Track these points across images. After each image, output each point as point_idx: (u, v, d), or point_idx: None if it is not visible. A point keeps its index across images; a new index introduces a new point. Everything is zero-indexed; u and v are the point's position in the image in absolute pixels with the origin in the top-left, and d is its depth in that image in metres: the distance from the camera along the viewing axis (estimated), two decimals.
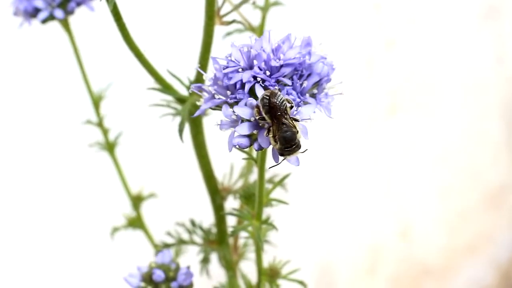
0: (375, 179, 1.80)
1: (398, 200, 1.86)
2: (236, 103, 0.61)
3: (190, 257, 0.98)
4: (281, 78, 0.62)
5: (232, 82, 0.61)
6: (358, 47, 1.70)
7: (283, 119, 0.59)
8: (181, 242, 0.94)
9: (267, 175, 0.86)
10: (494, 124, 1.97)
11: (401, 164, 1.84)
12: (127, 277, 0.81)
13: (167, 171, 1.48)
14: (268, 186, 0.77)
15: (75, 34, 0.97)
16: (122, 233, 1.08)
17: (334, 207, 1.76)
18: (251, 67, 0.62)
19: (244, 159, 0.70)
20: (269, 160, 0.65)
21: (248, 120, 0.61)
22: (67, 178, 1.41)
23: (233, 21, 0.78)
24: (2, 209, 1.38)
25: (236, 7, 0.79)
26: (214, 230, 0.93)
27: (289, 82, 0.62)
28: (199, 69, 0.77)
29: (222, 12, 0.77)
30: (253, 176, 0.96)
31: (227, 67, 0.63)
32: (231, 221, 0.95)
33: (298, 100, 0.62)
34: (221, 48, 0.74)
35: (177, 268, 0.82)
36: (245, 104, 0.61)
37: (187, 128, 0.82)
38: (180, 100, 0.80)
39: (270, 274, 0.83)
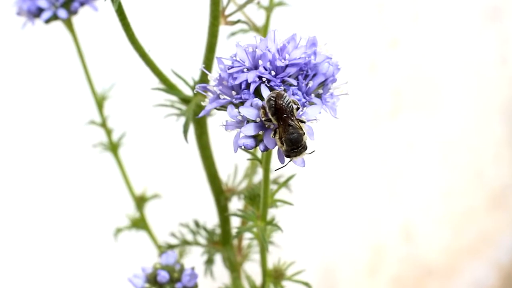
0: (378, 180, 1.80)
1: (401, 201, 1.85)
2: (242, 103, 0.61)
3: (194, 258, 0.97)
4: (286, 78, 0.61)
5: (237, 82, 0.61)
6: (362, 47, 1.70)
7: (289, 121, 0.59)
8: (185, 243, 0.93)
9: (272, 176, 0.85)
10: (497, 125, 1.97)
11: (404, 164, 1.84)
12: (131, 278, 0.81)
13: (171, 172, 1.47)
14: (273, 187, 0.76)
15: (78, 34, 0.97)
16: (126, 234, 1.08)
17: (338, 208, 1.75)
18: (256, 67, 0.62)
19: (249, 159, 0.70)
20: (274, 161, 0.64)
21: (254, 121, 0.60)
22: (70, 179, 1.41)
23: (238, 21, 0.78)
24: (6, 209, 1.37)
25: (241, 7, 0.79)
26: (218, 231, 0.93)
27: (294, 82, 0.61)
28: (204, 69, 0.76)
29: (227, 12, 0.77)
30: (258, 177, 0.96)
31: (232, 67, 0.62)
32: (235, 222, 0.95)
33: (303, 100, 0.61)
34: (225, 49, 0.74)
35: (182, 269, 0.82)
36: (251, 105, 0.60)
37: (191, 129, 0.82)
38: (185, 100, 0.80)
39: (274, 276, 0.83)
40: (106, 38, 1.25)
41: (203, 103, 0.66)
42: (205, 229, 0.94)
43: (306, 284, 0.81)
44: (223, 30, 0.80)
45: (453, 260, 1.96)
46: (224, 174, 0.92)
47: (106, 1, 0.69)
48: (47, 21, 0.92)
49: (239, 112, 0.60)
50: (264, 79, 0.61)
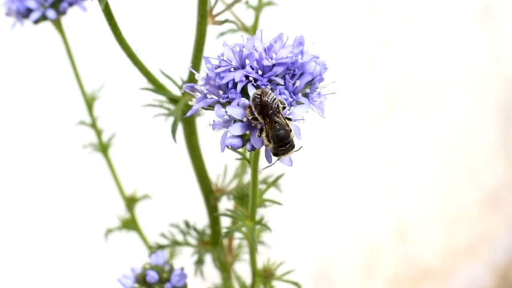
0: (372, 180, 1.80)
1: (395, 201, 1.85)
2: (229, 102, 0.61)
3: (184, 259, 0.97)
4: (273, 78, 0.61)
5: (224, 81, 0.61)
6: (355, 48, 1.70)
7: (276, 118, 0.59)
8: (175, 243, 0.93)
9: (261, 176, 0.85)
10: (491, 124, 1.98)
11: (398, 164, 1.84)
12: (120, 278, 0.81)
13: (161, 172, 1.47)
14: (262, 186, 0.76)
15: (67, 34, 0.97)
16: (116, 234, 1.08)
17: (330, 208, 1.75)
18: (243, 66, 0.62)
19: (237, 159, 0.70)
20: (262, 160, 0.64)
21: (241, 121, 0.60)
22: (60, 180, 1.40)
23: (226, 21, 0.78)
24: None
25: (229, 7, 0.79)
26: (208, 231, 0.93)
27: (281, 81, 0.61)
28: (192, 69, 0.76)
29: (214, 11, 0.77)
30: (247, 177, 0.96)
31: (219, 66, 0.62)
32: (225, 222, 0.95)
33: (290, 99, 0.61)
34: (214, 48, 0.74)
35: (171, 269, 0.82)
36: (238, 104, 0.60)
37: (180, 129, 0.82)
38: (173, 100, 0.80)
39: (264, 275, 0.83)
40: (95, 38, 1.25)
41: (190, 103, 0.65)
42: (195, 229, 0.94)
43: (295, 283, 0.81)
44: (212, 29, 0.80)
45: (448, 261, 1.96)
46: (214, 174, 0.92)
47: (94, 1, 0.69)
48: (36, 21, 0.92)
49: (226, 111, 0.60)
50: (251, 79, 0.61)
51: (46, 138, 1.38)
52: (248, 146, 0.61)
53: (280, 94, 0.61)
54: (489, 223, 2.02)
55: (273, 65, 0.61)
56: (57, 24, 0.95)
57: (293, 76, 0.62)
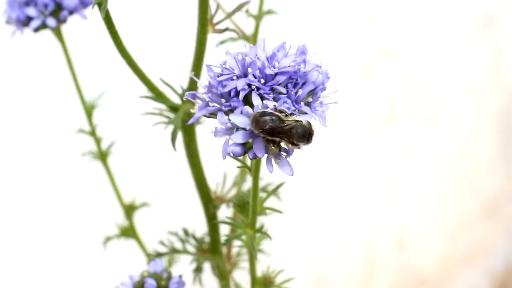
0: (371, 188, 1.80)
1: (394, 209, 1.85)
2: (231, 111, 0.61)
3: (183, 266, 0.97)
4: (276, 86, 0.61)
5: (226, 89, 0.61)
6: (355, 57, 1.70)
7: (285, 128, 0.59)
8: (174, 251, 0.93)
9: (261, 184, 0.85)
10: (491, 133, 1.98)
11: (397, 173, 1.84)
12: (119, 286, 0.80)
13: (160, 180, 1.47)
14: (262, 194, 0.76)
15: (67, 42, 0.97)
16: (115, 242, 1.07)
17: (330, 217, 1.75)
18: (245, 75, 0.62)
19: (238, 167, 0.70)
20: (263, 168, 0.64)
21: (244, 129, 0.60)
22: (59, 187, 1.40)
23: (226, 29, 0.78)
24: None
25: (229, 15, 0.79)
26: (207, 239, 0.93)
27: (284, 90, 0.61)
28: (193, 77, 0.76)
29: (215, 20, 0.77)
30: (247, 185, 0.96)
31: (221, 74, 0.62)
32: (224, 230, 0.95)
33: (293, 108, 0.61)
34: (213, 57, 0.74)
35: (169, 277, 0.82)
36: (241, 112, 0.60)
37: (180, 137, 0.82)
38: (173, 108, 0.80)
39: (263, 283, 0.83)
40: (96, 46, 1.25)
41: (192, 111, 0.66)
42: (194, 237, 0.94)
43: None
44: (212, 38, 0.80)
45: (447, 269, 1.96)
46: (213, 182, 0.92)
47: (94, 9, 0.69)
48: (36, 29, 0.92)
49: (229, 119, 0.60)
50: (253, 87, 0.61)
51: (46, 146, 1.38)
52: (250, 154, 0.61)
53: (284, 103, 0.61)
54: (488, 232, 2.02)
55: (276, 74, 0.61)
56: (57, 32, 0.95)
57: (295, 85, 0.62)
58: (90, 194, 1.40)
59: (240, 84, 0.60)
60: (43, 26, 0.92)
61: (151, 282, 0.79)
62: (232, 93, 0.61)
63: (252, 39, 0.94)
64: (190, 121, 0.65)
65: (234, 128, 0.60)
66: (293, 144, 0.60)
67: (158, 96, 0.80)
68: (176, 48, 1.29)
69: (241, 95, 0.60)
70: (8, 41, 0.97)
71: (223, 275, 0.92)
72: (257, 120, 0.59)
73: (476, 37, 1.88)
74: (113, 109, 1.23)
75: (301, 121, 0.59)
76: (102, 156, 1.04)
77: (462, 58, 1.87)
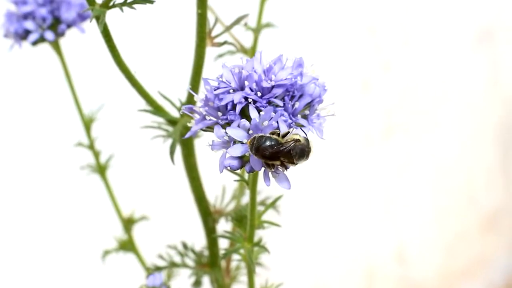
0: (370, 201, 1.80)
1: (393, 222, 1.85)
2: (228, 124, 0.61)
3: (182, 280, 0.97)
4: (272, 99, 0.61)
5: (223, 103, 0.61)
6: (353, 70, 1.71)
7: (286, 148, 0.59)
8: (173, 265, 0.93)
9: (259, 197, 0.85)
10: (490, 146, 1.98)
11: (397, 186, 1.84)
12: None
13: (159, 194, 1.47)
14: (260, 208, 0.76)
15: (66, 56, 0.97)
16: (114, 256, 1.07)
17: (329, 230, 1.75)
18: (242, 88, 0.61)
19: (236, 181, 0.69)
20: (261, 182, 0.64)
21: (241, 142, 0.60)
22: (58, 201, 1.40)
23: (225, 43, 0.78)
24: None
25: (228, 29, 0.79)
26: (206, 253, 0.92)
27: (280, 103, 0.61)
28: (190, 91, 0.76)
29: (213, 33, 0.77)
30: (245, 198, 0.95)
31: (218, 88, 0.62)
32: (223, 244, 0.95)
33: (290, 121, 0.61)
34: (212, 70, 0.74)
35: None
36: (238, 126, 0.60)
37: (178, 150, 0.82)
38: (171, 122, 0.80)
39: None
40: (94, 60, 1.25)
41: (189, 124, 0.65)
42: (193, 251, 0.93)
43: None
44: (211, 51, 0.80)
45: (446, 282, 1.95)
46: (212, 195, 0.92)
47: (92, 22, 0.69)
48: (34, 43, 0.92)
49: (226, 132, 0.60)
50: (250, 100, 0.60)
51: (44, 159, 1.38)
52: (247, 168, 0.60)
53: (280, 115, 0.60)
54: (487, 245, 2.02)
55: (273, 87, 0.61)
56: (56, 45, 0.95)
57: (292, 97, 0.62)
58: (89, 207, 1.40)
59: (237, 97, 0.60)
60: (41, 39, 0.92)
61: None
62: (229, 107, 0.61)
63: (251, 52, 0.93)
64: (187, 135, 0.65)
65: (231, 141, 0.60)
66: (292, 163, 0.60)
67: (156, 109, 0.80)
68: (175, 61, 1.30)
69: (238, 108, 0.60)
70: (6, 55, 0.97)
71: None
72: (257, 148, 0.58)
73: (474, 50, 1.89)
74: (111, 123, 1.23)
75: (298, 139, 0.59)
76: (101, 169, 1.04)
77: (460, 71, 1.87)
